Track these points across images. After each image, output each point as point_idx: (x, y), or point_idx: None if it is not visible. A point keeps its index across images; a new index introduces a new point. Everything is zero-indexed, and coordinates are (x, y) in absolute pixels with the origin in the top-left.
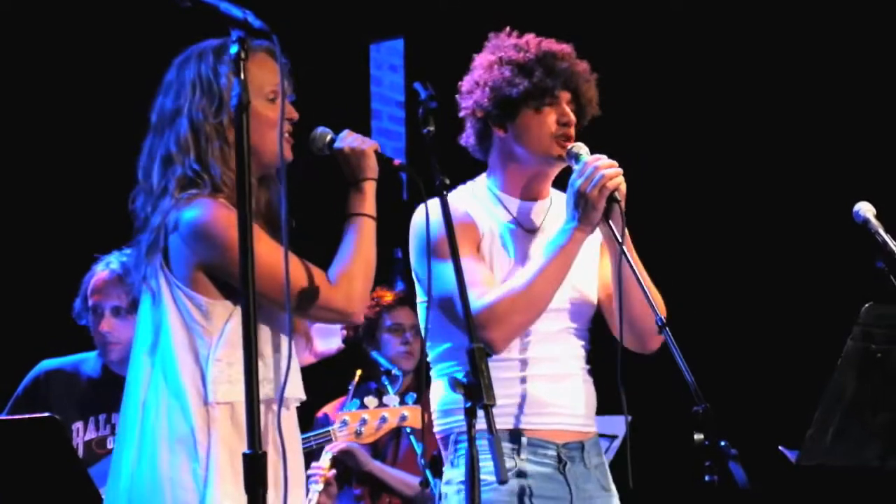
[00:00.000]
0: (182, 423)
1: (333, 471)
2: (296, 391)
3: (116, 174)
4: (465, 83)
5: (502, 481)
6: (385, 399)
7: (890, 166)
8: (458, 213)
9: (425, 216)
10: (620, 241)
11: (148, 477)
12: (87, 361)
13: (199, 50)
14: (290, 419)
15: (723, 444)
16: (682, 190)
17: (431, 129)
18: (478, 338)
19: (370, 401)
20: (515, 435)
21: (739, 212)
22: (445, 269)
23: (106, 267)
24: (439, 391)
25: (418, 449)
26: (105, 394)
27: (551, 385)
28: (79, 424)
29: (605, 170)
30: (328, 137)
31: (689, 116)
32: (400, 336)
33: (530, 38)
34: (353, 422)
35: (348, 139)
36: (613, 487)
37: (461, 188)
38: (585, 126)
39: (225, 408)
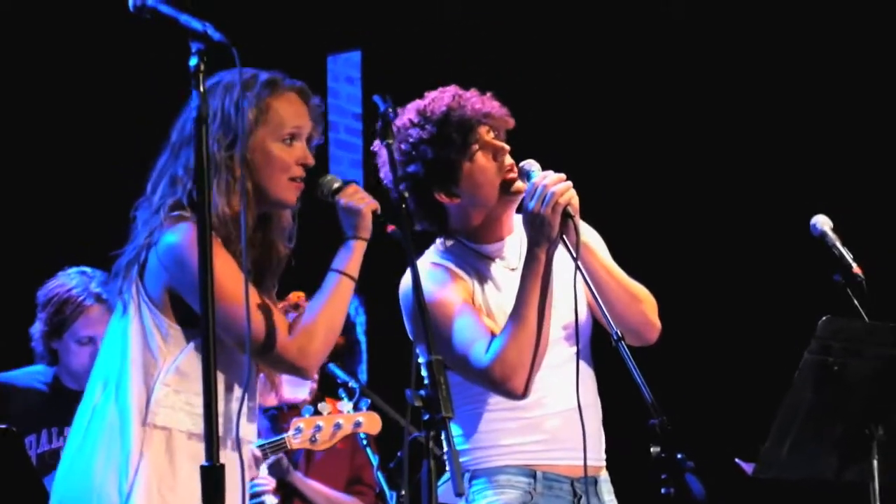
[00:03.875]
0: (120, 438)
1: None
2: (247, 433)
3: (66, 191)
4: (396, 179)
5: (459, 494)
6: (339, 405)
7: (846, 179)
8: (442, 272)
9: (412, 281)
10: (575, 256)
11: (80, 480)
12: (37, 375)
13: (229, 79)
14: (246, 457)
15: (679, 456)
16: (641, 200)
17: (390, 141)
18: (496, 388)
19: (324, 407)
20: (530, 471)
21: (695, 224)
22: (441, 332)
23: (87, 294)
24: (462, 430)
25: (374, 460)
26: (57, 406)
27: (564, 420)
28: (32, 437)
29: (553, 187)
30: (334, 185)
31: (648, 127)
32: None
33: (419, 105)
34: (308, 428)
35: (349, 193)
36: None
37: (432, 249)
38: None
39: (162, 433)
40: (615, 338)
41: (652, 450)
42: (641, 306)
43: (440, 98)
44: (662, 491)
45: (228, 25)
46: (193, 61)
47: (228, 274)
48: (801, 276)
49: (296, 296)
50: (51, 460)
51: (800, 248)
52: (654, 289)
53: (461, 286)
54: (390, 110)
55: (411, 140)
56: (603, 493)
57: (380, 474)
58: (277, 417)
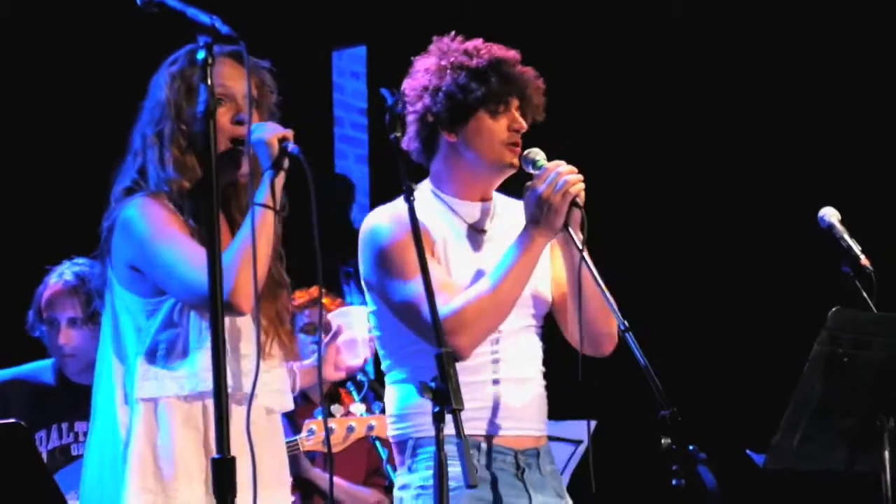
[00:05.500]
0: (110, 422)
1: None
2: (266, 398)
3: (71, 186)
4: (411, 87)
5: (471, 485)
6: (352, 408)
7: (854, 171)
8: (407, 220)
9: (379, 221)
10: (581, 247)
11: (90, 476)
12: (44, 370)
13: (160, 69)
14: (260, 420)
15: (691, 448)
16: (650, 192)
17: (398, 134)
18: (445, 343)
19: (336, 409)
20: (473, 442)
21: (706, 215)
22: (405, 276)
23: (59, 278)
24: (394, 395)
25: (383, 454)
26: (65, 402)
27: (515, 389)
28: (42, 433)
29: (567, 175)
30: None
31: (657, 121)
32: (313, 335)
33: (478, 43)
34: (320, 430)
35: (257, 130)
36: (567, 494)
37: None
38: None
39: (148, 405)
40: (622, 328)
41: (663, 441)
42: (612, 320)
43: (504, 50)
44: (673, 482)
45: (233, 21)
46: (201, 55)
47: (166, 222)
48: (810, 268)
49: (317, 290)
50: (61, 456)
51: (808, 240)
52: (663, 281)
53: (425, 239)
54: (397, 104)
55: (453, 60)
56: (545, 464)
57: (388, 467)
58: (293, 414)
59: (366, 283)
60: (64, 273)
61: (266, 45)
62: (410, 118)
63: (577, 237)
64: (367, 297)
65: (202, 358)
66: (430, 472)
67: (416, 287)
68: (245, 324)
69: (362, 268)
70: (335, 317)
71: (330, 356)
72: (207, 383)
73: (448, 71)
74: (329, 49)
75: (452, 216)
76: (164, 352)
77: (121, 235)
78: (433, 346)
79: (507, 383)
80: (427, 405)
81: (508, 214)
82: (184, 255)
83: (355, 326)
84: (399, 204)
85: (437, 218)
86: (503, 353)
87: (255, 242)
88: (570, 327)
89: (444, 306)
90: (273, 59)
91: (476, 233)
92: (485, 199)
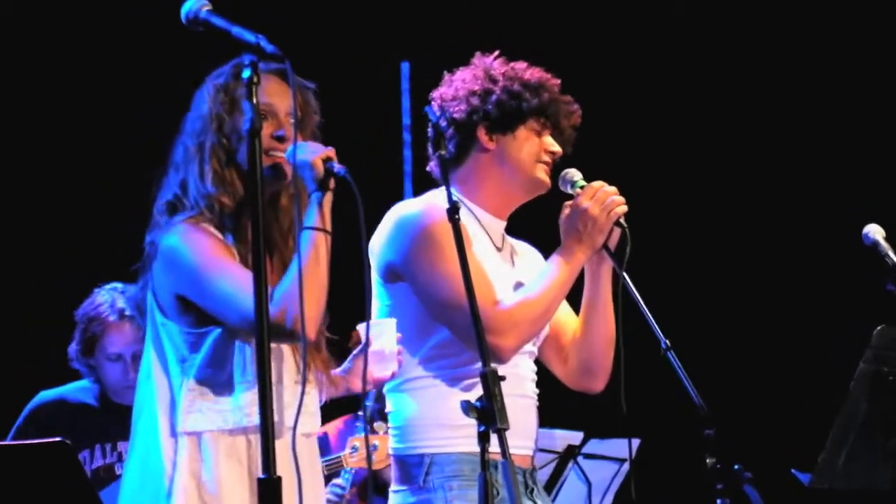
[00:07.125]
0: (153, 454)
1: (353, 489)
2: (301, 425)
3: (105, 206)
4: (453, 90)
5: None
6: None
7: None
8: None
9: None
10: (622, 267)
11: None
12: (86, 390)
13: (206, 81)
14: (299, 446)
15: (736, 467)
16: (693, 210)
17: (443, 152)
18: (491, 335)
19: (380, 426)
20: (492, 462)
21: (751, 234)
22: (452, 261)
23: (112, 310)
24: (404, 403)
25: None
26: (109, 422)
27: (523, 406)
28: (86, 453)
29: (613, 195)
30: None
31: (695, 132)
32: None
33: (523, 64)
34: (364, 448)
35: (300, 151)
36: None
37: (433, 193)
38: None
39: (192, 437)
40: (664, 347)
41: (707, 460)
42: (611, 354)
43: (550, 75)
44: (718, 502)
45: (280, 39)
46: (246, 73)
47: (214, 251)
48: (855, 286)
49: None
50: (105, 475)
51: (853, 257)
52: (706, 299)
53: (466, 235)
54: (441, 121)
55: (505, 71)
56: (539, 483)
57: None
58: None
59: (391, 271)
60: (117, 303)
61: (310, 66)
62: (457, 117)
63: (616, 258)
64: (382, 290)
65: (247, 392)
66: (454, 491)
67: (459, 281)
68: (277, 353)
69: (390, 254)
70: (363, 328)
71: (357, 368)
72: (252, 418)
73: (501, 79)
74: (398, 60)
75: (478, 226)
76: (208, 385)
77: (164, 265)
78: (467, 346)
79: (521, 401)
80: (442, 418)
81: (517, 245)
82: (239, 283)
83: (384, 338)
84: (430, 197)
85: (466, 225)
86: (520, 371)
87: (318, 267)
88: (571, 359)
89: (493, 305)
90: (336, 76)
91: (496, 249)
92: (503, 217)
